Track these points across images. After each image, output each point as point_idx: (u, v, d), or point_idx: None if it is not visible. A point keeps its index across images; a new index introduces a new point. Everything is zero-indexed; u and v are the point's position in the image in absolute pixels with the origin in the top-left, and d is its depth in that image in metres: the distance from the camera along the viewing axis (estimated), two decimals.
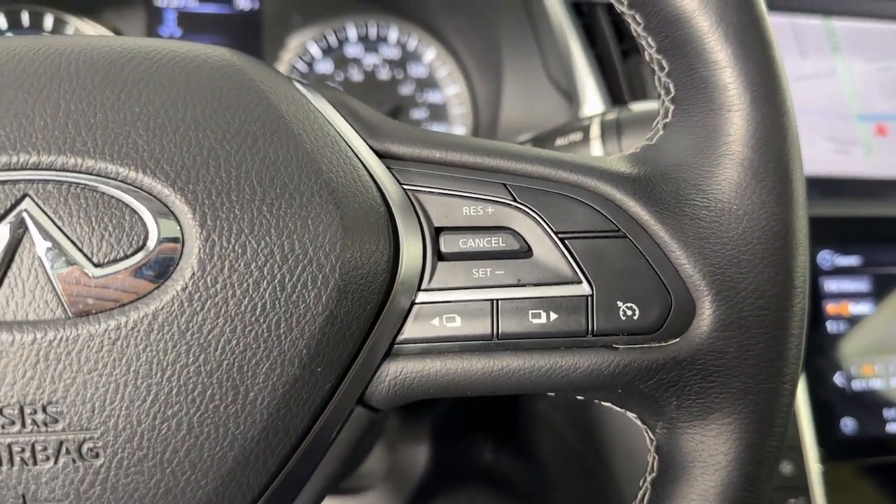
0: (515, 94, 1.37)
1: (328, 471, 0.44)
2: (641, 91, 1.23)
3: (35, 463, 0.39)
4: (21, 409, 0.38)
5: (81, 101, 0.40)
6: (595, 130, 0.86)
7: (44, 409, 0.38)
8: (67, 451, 0.39)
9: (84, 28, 1.38)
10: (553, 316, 0.45)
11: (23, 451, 0.38)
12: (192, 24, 1.46)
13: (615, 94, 1.22)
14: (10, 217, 0.39)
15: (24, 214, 0.39)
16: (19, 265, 0.39)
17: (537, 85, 1.31)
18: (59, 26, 1.38)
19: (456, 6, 1.44)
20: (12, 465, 0.38)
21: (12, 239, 0.39)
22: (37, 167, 0.39)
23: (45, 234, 0.39)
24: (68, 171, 0.39)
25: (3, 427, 0.38)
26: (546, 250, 0.46)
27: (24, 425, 0.38)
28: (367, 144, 0.46)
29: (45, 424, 0.38)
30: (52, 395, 0.38)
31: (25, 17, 1.36)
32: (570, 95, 1.24)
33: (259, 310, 0.39)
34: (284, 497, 0.43)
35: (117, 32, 1.41)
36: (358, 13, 1.52)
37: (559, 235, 0.46)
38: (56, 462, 0.39)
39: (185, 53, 0.44)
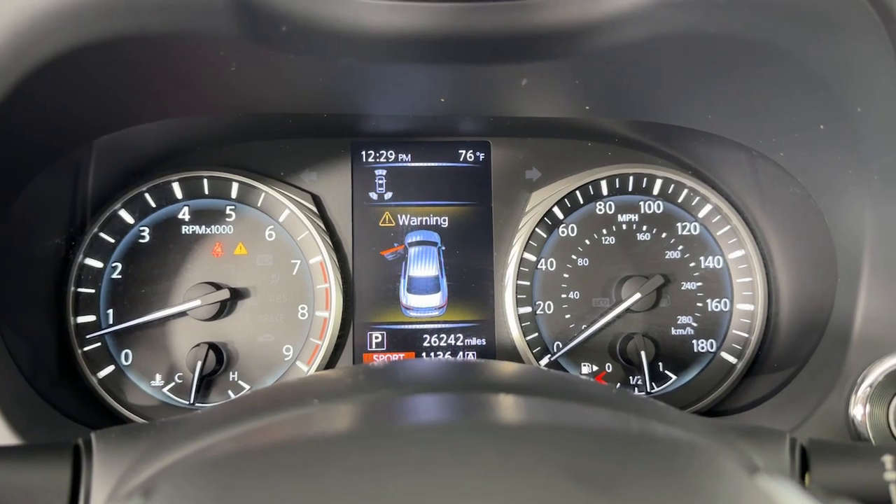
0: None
1: None
2: None
3: None
4: None
5: None
6: None
7: None
8: None
9: (275, 195, 1.09)
10: None
11: None
12: (406, 184, 1.15)
13: None
14: None
15: None
16: None
17: None
18: (247, 195, 1.10)
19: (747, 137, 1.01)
20: None
21: None
22: None
23: None
24: None
25: None
26: None
27: None
28: None
29: None
30: None
31: (206, 185, 1.10)
32: None
33: None
34: None
35: (322, 197, 1.12)
36: (610, 162, 1.15)
37: None
38: None
39: None
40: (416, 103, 0.92)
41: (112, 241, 1.08)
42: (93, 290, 1.07)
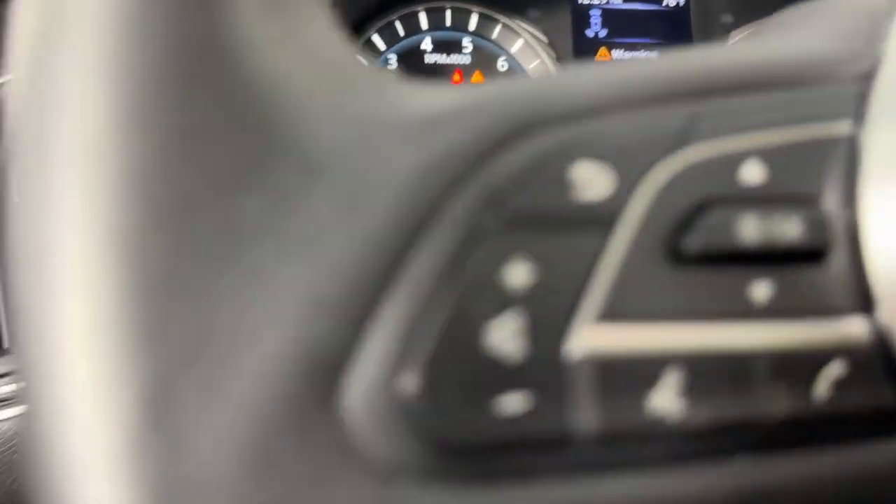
0: None
1: None
2: None
3: None
4: None
5: None
6: None
7: None
8: None
9: (513, 27, 1.20)
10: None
11: None
12: (618, 23, 1.27)
13: None
14: None
15: None
16: None
17: None
18: (484, 27, 1.20)
19: None
20: None
21: None
22: None
23: None
24: None
25: None
26: None
27: None
28: None
29: None
30: None
31: (448, 16, 1.20)
32: None
33: None
34: None
35: (545, 33, 1.23)
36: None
37: None
38: None
39: None
40: None
41: None
42: None
